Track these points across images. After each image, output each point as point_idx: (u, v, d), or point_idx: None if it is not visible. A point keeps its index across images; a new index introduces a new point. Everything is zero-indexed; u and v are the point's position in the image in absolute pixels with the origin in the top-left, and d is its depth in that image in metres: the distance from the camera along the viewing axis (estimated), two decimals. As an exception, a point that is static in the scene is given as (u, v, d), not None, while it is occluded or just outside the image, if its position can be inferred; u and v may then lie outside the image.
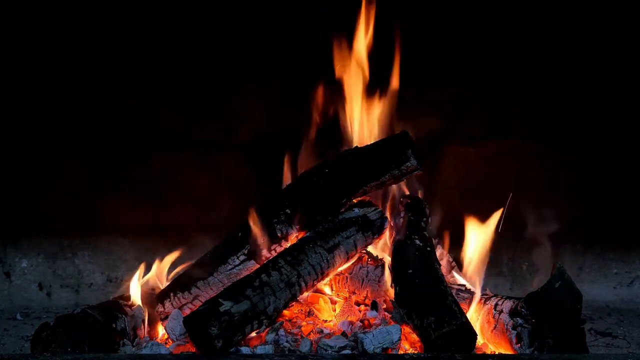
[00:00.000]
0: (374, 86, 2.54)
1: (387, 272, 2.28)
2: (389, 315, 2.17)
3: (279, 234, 2.29)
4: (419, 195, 2.57)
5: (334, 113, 2.59)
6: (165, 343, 2.13)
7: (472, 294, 2.24)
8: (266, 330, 2.04)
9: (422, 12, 3.02)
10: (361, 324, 2.15)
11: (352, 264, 2.32)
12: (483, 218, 2.39)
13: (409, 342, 2.06)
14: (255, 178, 3.11)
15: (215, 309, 1.91)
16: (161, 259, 2.45)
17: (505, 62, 3.09)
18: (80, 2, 2.99)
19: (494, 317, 2.09)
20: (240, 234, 2.31)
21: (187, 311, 2.17)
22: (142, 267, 2.34)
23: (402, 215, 2.44)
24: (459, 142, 3.19)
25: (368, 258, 2.34)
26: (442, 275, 2.14)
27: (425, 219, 2.44)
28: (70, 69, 3.06)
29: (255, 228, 2.28)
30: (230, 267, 2.27)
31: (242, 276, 2.15)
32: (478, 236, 2.37)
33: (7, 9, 2.96)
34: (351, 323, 2.16)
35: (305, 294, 2.23)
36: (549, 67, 3.10)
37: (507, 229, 2.87)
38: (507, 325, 2.01)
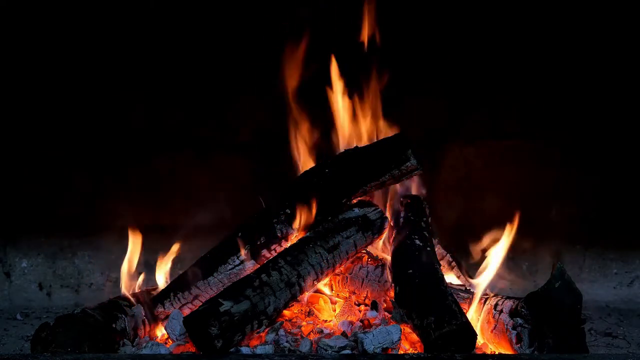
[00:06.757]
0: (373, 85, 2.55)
1: (387, 272, 2.28)
2: (389, 315, 2.17)
3: (279, 234, 2.29)
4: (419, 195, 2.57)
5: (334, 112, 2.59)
6: (165, 343, 2.13)
7: (472, 294, 2.24)
8: (266, 330, 2.04)
9: (424, 12, 3.03)
10: (361, 324, 2.15)
11: (352, 264, 2.32)
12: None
13: (409, 342, 2.06)
14: (256, 178, 3.11)
15: (215, 309, 1.91)
16: (161, 259, 2.45)
17: (505, 62, 3.08)
18: (90, 8, 3.00)
19: (494, 317, 2.09)
20: (240, 233, 2.31)
21: (187, 311, 2.17)
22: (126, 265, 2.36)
23: (402, 215, 2.45)
24: (459, 142, 3.18)
25: (368, 258, 2.35)
26: (442, 275, 2.14)
27: (425, 219, 2.44)
28: (70, 69, 3.06)
29: None
30: (230, 267, 2.27)
31: (242, 276, 2.15)
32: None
33: (8, 9, 2.96)
34: (351, 323, 2.16)
35: (305, 294, 2.23)
36: (550, 68, 3.10)
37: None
38: (507, 325, 2.01)
